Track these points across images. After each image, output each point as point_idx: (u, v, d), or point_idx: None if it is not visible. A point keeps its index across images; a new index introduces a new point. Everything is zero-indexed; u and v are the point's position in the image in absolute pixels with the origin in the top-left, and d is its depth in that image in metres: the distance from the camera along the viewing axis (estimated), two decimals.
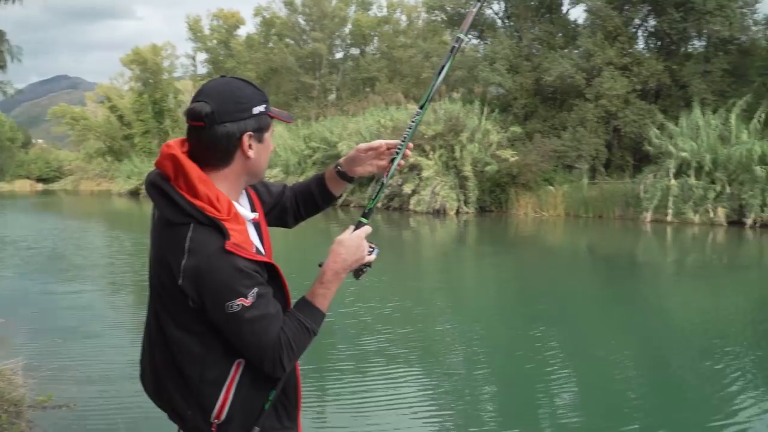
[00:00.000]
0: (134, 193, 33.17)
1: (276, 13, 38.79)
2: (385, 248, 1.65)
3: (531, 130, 20.67)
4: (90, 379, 4.97)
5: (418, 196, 19.58)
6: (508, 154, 19.26)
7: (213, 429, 1.48)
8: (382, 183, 1.70)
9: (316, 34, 36.07)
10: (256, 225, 1.58)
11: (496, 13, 24.77)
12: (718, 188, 15.78)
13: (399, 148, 1.72)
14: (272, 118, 1.51)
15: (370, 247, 1.61)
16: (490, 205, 19.85)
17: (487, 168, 19.39)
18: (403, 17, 38.73)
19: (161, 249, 1.44)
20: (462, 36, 1.71)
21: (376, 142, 1.77)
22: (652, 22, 21.45)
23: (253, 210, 1.60)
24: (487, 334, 6.54)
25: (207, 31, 42.02)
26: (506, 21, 24.65)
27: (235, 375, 1.47)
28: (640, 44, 21.88)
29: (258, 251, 1.48)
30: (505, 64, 21.70)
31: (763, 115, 16.43)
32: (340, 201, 19.47)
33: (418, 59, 32.51)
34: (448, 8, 25.27)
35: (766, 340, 6.35)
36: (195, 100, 1.43)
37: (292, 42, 37.54)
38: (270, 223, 1.72)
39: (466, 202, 19.64)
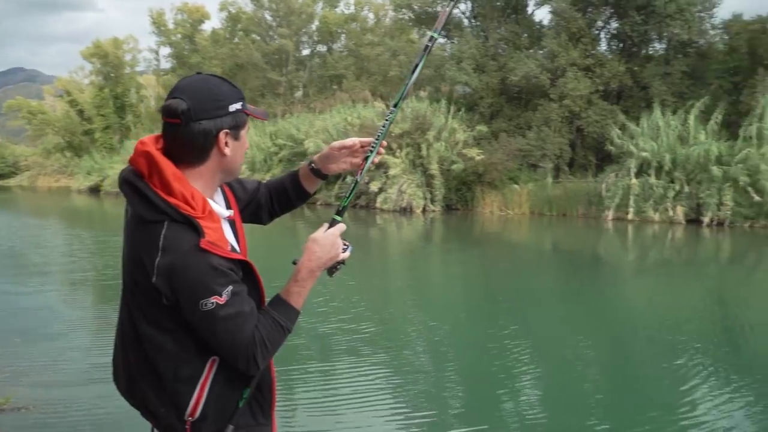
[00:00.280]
0: (94, 190, 32.40)
1: (242, 8, 38.38)
2: (352, 246, 1.66)
3: (497, 129, 20.88)
4: (49, 381, 4.85)
5: (384, 194, 19.61)
6: (474, 153, 19.43)
7: (187, 427, 1.47)
8: (356, 181, 1.71)
9: (282, 30, 35.77)
10: (231, 222, 1.58)
11: (463, 13, 24.94)
12: (677, 187, 16.20)
13: (373, 146, 1.74)
14: (248, 115, 1.51)
15: (344, 244, 1.62)
16: (456, 204, 20.00)
17: (454, 166, 19.53)
18: (371, 15, 38.70)
19: (135, 247, 1.42)
20: (435, 35, 1.73)
21: (350, 141, 1.78)
22: (614, 24, 21.87)
23: (228, 207, 1.60)
24: (454, 332, 6.60)
25: (171, 25, 41.30)
26: (473, 21, 24.84)
27: (209, 373, 1.46)
28: (603, 46, 22.30)
29: (233, 249, 1.47)
30: (471, 63, 21.88)
31: (719, 117, 16.92)
32: None
33: (386, 57, 32.51)
34: (416, 6, 25.33)
35: (725, 335, 6.56)
36: (171, 96, 1.42)
37: (259, 38, 37.14)
38: (245, 220, 1.72)
39: (432, 201, 19.75)
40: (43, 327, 6.46)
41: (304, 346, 5.78)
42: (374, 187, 19.64)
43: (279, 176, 1.90)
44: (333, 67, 34.93)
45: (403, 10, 26.36)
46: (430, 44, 1.73)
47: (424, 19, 25.63)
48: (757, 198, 14.71)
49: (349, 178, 17.91)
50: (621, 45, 21.88)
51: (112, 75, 42.22)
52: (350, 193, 1.70)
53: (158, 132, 1.47)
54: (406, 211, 19.32)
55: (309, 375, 5.08)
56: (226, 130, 1.44)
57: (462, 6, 24.51)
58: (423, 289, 9.23)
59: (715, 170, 15.37)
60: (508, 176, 19.55)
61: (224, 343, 1.41)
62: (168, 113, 1.40)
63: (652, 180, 16.50)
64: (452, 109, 21.36)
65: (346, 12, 38.19)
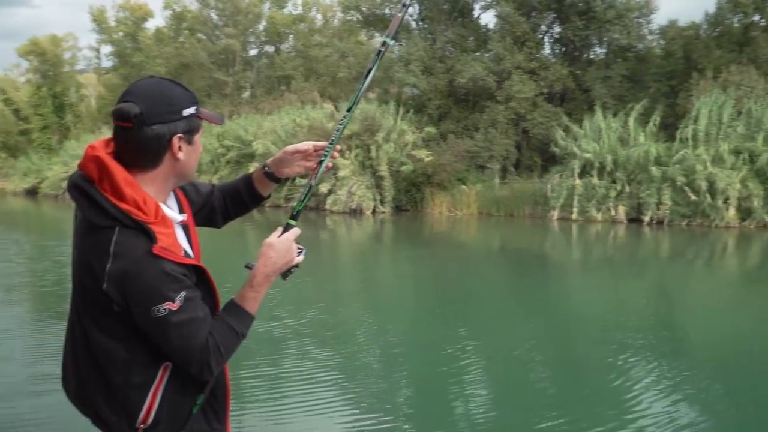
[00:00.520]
0: (32, 192, 31.16)
1: (187, 6, 37.59)
2: (306, 249, 1.67)
3: (445, 130, 21.13)
4: None
5: (334, 195, 19.57)
6: (423, 155, 19.61)
7: None
8: (311, 185, 1.72)
9: (229, 30, 35.23)
10: (185, 227, 1.56)
11: (411, 15, 25.12)
12: (619, 187, 16.74)
13: (327, 151, 1.75)
14: (202, 119, 1.49)
15: (298, 248, 1.62)
16: (405, 205, 20.13)
17: (403, 168, 19.67)
18: (319, 16, 38.55)
19: (84, 253, 1.39)
20: (388, 40, 1.75)
21: (304, 145, 1.78)
22: (557, 29, 22.48)
23: (182, 211, 1.58)
24: (405, 333, 6.65)
25: (113, 23, 40.12)
26: (420, 23, 25.07)
27: (161, 379, 1.45)
28: (547, 50, 22.89)
29: (186, 254, 1.46)
30: (419, 65, 22.09)
31: (658, 119, 17.59)
32: None
33: (334, 59, 32.43)
34: (364, 8, 25.40)
35: (667, 329, 6.83)
36: (123, 99, 1.40)
37: (204, 37, 36.48)
38: (198, 223, 1.70)
39: (382, 202, 19.83)
40: None
41: (255, 350, 5.71)
42: (324, 188, 19.58)
43: (233, 180, 1.89)
44: (281, 67, 34.60)
45: (352, 11, 26.39)
46: (383, 49, 1.75)
47: (372, 21, 25.72)
48: (693, 197, 15.35)
49: (298, 181, 17.79)
50: (564, 49, 22.49)
51: (50, 73, 40.79)
52: (305, 197, 1.70)
53: (100, 132, 1.44)
54: (356, 212, 19.33)
55: (259, 379, 5.02)
56: (180, 135, 1.43)
57: (410, 9, 24.70)
58: (374, 291, 9.26)
59: (654, 170, 15.95)
60: (456, 177, 19.80)
61: (178, 349, 1.40)
62: (120, 117, 1.38)
63: (595, 180, 17.01)
64: (401, 110, 21.49)
65: (294, 13, 37.92)
